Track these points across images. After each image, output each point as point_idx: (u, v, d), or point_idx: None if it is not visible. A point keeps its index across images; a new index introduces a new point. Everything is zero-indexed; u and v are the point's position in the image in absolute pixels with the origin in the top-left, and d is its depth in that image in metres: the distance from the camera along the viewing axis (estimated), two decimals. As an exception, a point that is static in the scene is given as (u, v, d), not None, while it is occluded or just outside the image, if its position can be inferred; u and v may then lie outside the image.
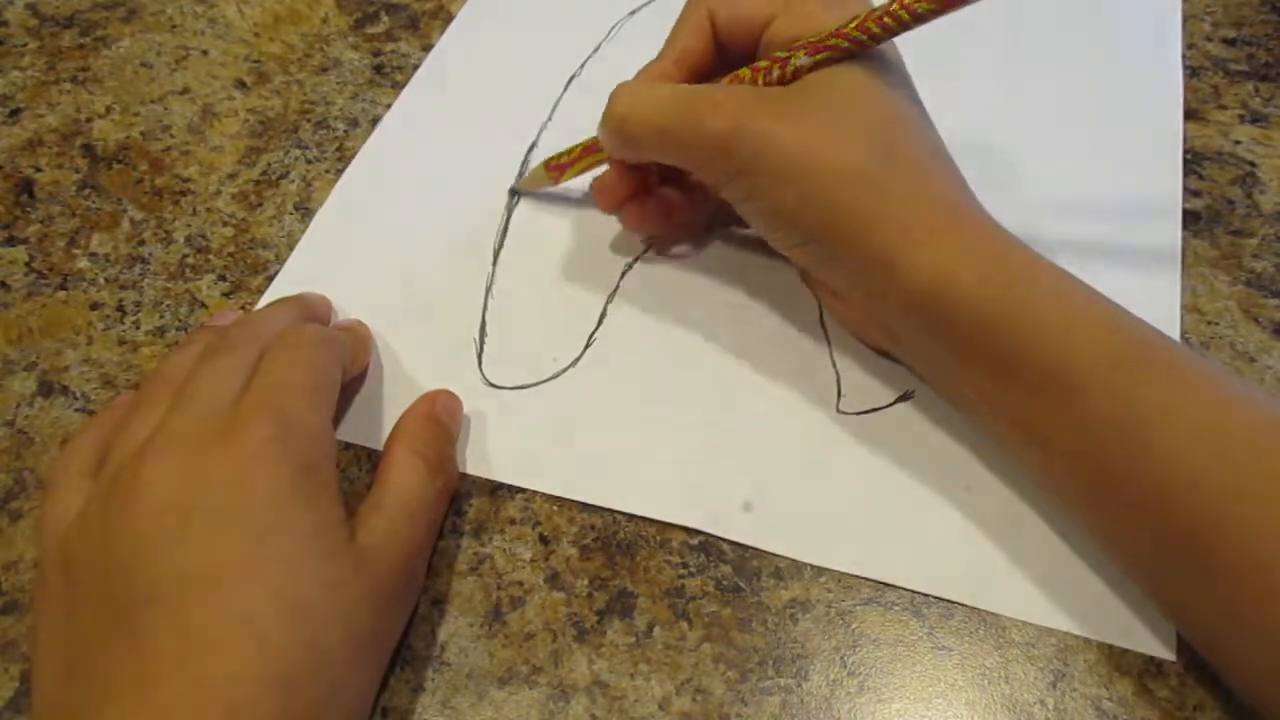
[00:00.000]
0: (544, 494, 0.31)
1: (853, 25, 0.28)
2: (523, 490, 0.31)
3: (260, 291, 0.36)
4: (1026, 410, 0.26)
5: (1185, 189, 0.37)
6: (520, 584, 0.29)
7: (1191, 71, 0.41)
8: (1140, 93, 0.40)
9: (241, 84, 0.43)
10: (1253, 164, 0.38)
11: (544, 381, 0.33)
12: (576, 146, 0.35)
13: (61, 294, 0.37)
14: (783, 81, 0.29)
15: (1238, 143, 0.39)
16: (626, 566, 0.29)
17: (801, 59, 0.29)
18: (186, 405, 0.26)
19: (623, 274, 0.36)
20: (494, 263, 0.36)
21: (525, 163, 0.39)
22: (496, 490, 0.31)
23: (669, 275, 0.35)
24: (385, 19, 0.45)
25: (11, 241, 0.38)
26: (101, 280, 0.37)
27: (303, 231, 0.38)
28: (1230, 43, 0.42)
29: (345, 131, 0.41)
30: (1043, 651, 0.27)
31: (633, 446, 0.31)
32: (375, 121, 0.41)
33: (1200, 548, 0.24)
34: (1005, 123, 0.39)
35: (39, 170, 0.40)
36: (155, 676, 0.22)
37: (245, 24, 0.46)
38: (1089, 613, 0.28)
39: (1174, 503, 0.24)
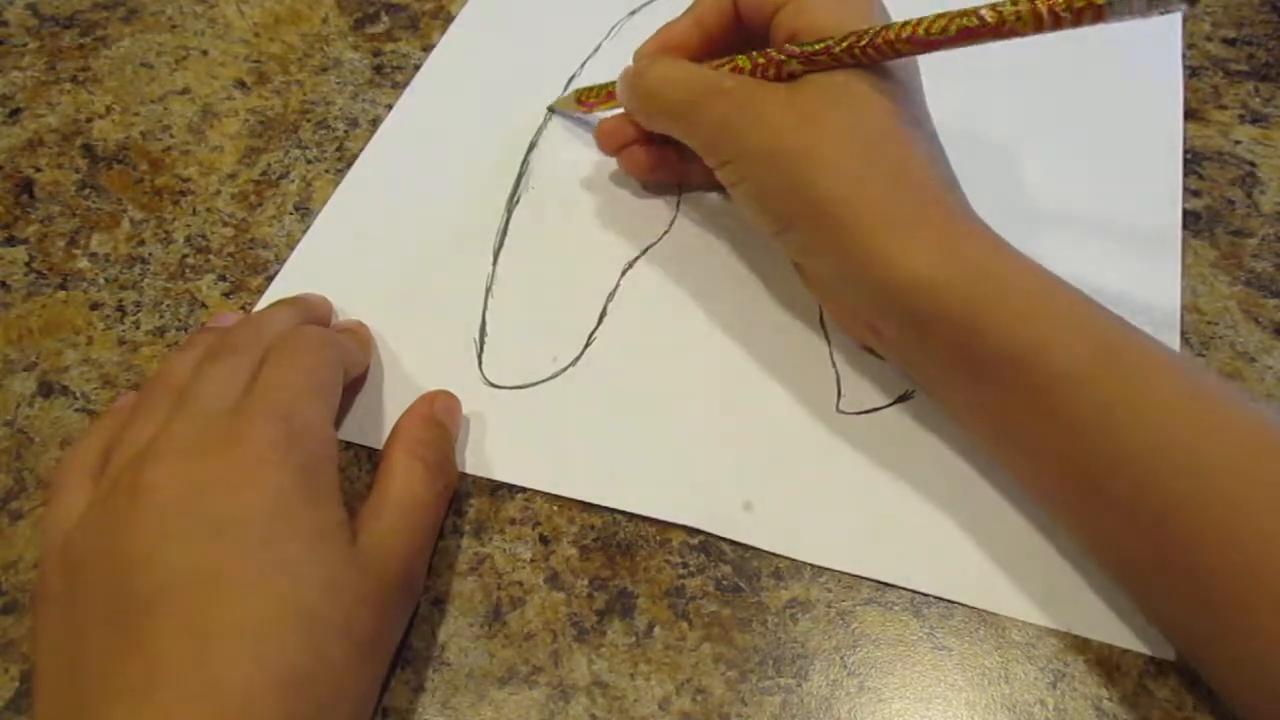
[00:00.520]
0: (544, 494, 0.31)
1: (841, 47, 0.28)
2: (523, 490, 0.31)
3: (260, 292, 0.36)
4: (1003, 411, 0.26)
5: (1185, 189, 0.37)
6: (520, 584, 0.29)
7: (1191, 71, 0.41)
8: (1140, 93, 0.40)
9: (241, 84, 0.43)
10: (1253, 164, 0.38)
11: (544, 381, 0.33)
12: (603, 88, 0.37)
13: (61, 294, 0.37)
14: (779, 79, 0.30)
15: (1238, 143, 0.39)
16: (626, 566, 0.29)
17: (794, 65, 0.29)
18: (189, 408, 0.26)
19: (622, 273, 0.36)
20: (494, 262, 0.36)
21: (526, 161, 0.39)
22: (496, 490, 0.31)
23: (669, 275, 0.36)
24: (385, 19, 0.45)
25: (11, 241, 0.38)
26: (101, 280, 0.37)
27: (303, 231, 0.38)
28: (1230, 43, 0.42)
29: (345, 131, 0.41)
30: (1043, 651, 0.27)
31: (633, 446, 0.31)
32: (375, 121, 0.41)
33: (1177, 552, 0.24)
34: (1005, 123, 0.39)
35: (39, 170, 0.40)
36: (158, 679, 0.22)
37: (245, 24, 0.46)
38: (1089, 613, 0.28)
39: (1146, 505, 0.24)
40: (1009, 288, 0.26)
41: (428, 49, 0.44)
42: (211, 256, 0.37)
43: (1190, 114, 0.40)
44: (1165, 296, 0.34)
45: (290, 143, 0.41)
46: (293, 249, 0.37)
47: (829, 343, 0.33)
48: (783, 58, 0.29)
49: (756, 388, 0.33)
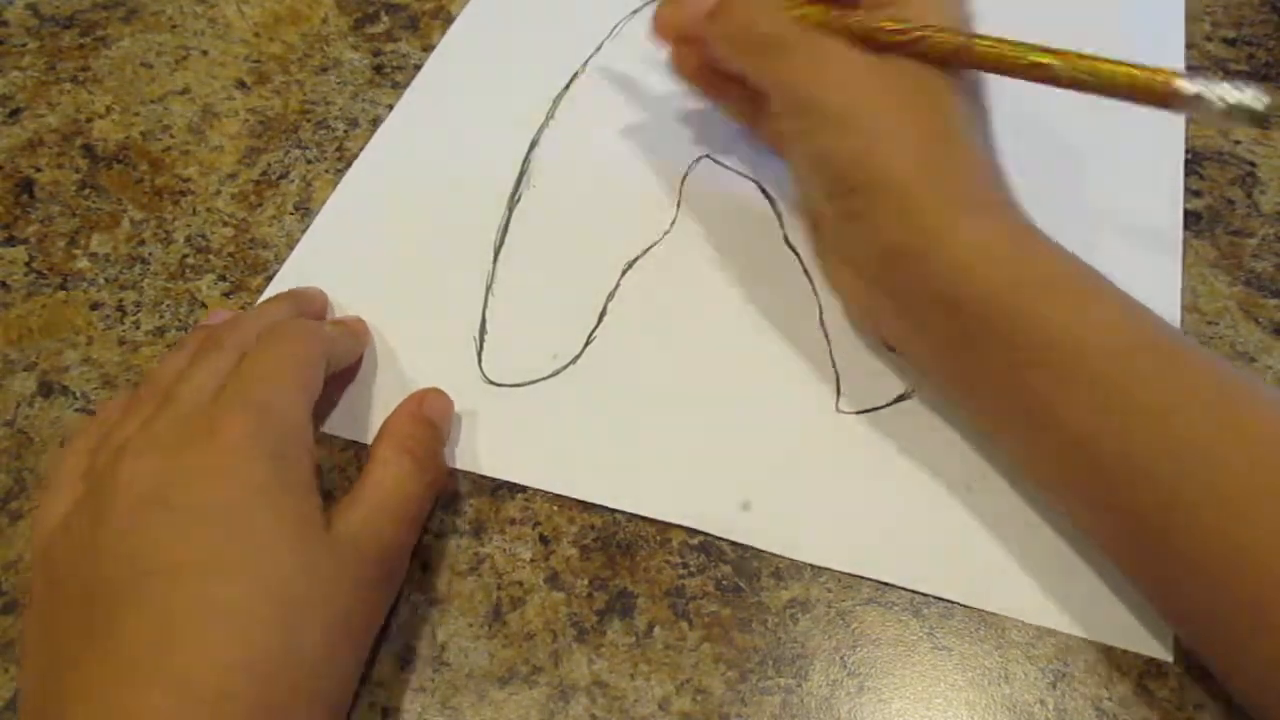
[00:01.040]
0: (544, 494, 0.31)
1: (936, 42, 0.29)
2: (523, 490, 0.31)
3: (260, 291, 0.36)
4: (1036, 390, 0.26)
5: (1185, 189, 0.37)
6: (520, 584, 0.29)
7: (1191, 71, 0.41)
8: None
9: (241, 84, 0.43)
10: (1253, 164, 0.38)
11: (544, 379, 0.33)
12: None
13: (61, 294, 0.37)
14: (865, 47, 0.30)
15: (1237, 143, 0.39)
16: (626, 566, 0.29)
17: (885, 39, 0.29)
18: (170, 406, 0.27)
19: (623, 272, 0.36)
20: (495, 261, 0.36)
21: (527, 160, 0.39)
22: (496, 490, 0.31)
23: (670, 274, 0.35)
24: (385, 19, 0.45)
25: (11, 241, 0.38)
26: (101, 280, 0.37)
27: (303, 231, 0.38)
28: (1230, 43, 0.42)
29: (345, 131, 0.41)
30: (1043, 651, 0.27)
31: (632, 445, 0.31)
32: (376, 121, 0.41)
33: (1191, 550, 0.24)
34: (1006, 122, 0.39)
35: (39, 170, 0.40)
36: (135, 667, 0.22)
37: (245, 24, 0.46)
38: (1089, 613, 0.28)
39: (1146, 492, 0.24)
40: (1057, 274, 0.27)
41: (428, 49, 0.44)
42: (211, 256, 0.37)
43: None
44: (1165, 296, 0.34)
45: (290, 143, 0.41)
46: (293, 249, 0.37)
47: (829, 343, 0.33)
48: (864, 34, 0.29)
49: (755, 388, 0.32)
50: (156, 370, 0.29)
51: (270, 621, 0.23)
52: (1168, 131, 0.39)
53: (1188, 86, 0.26)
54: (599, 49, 0.43)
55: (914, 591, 0.28)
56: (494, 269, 0.36)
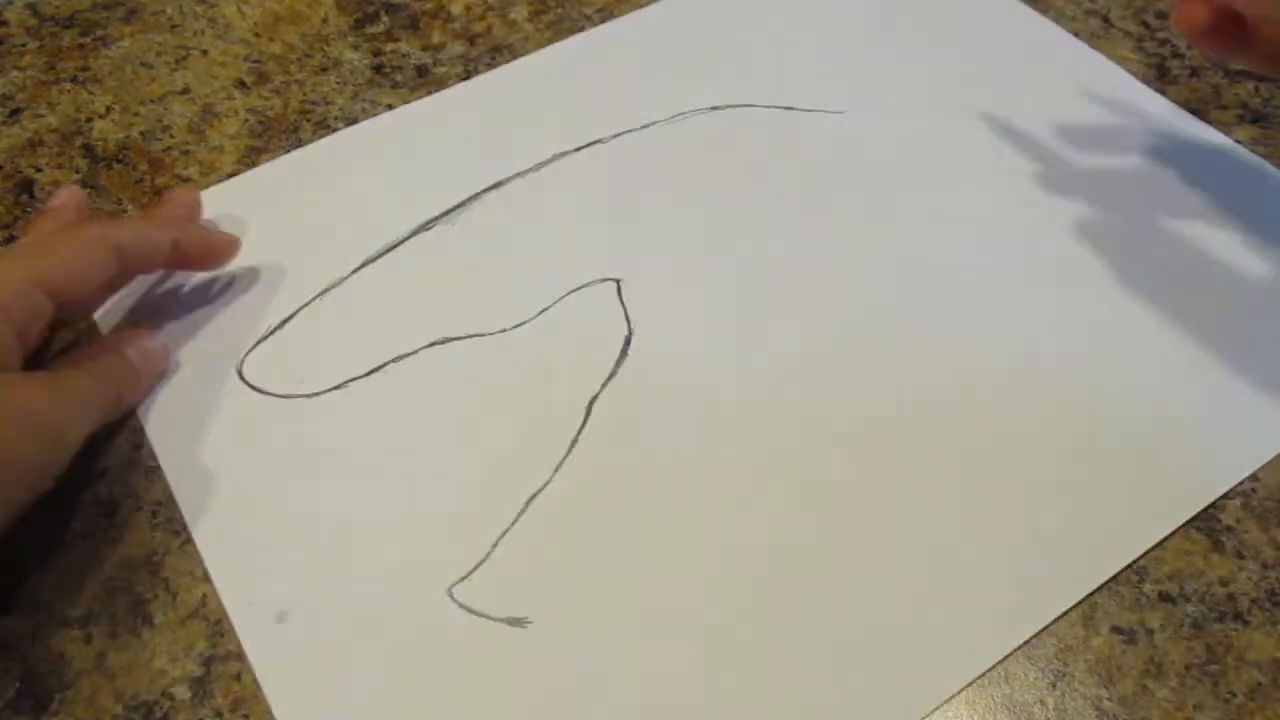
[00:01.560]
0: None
1: None
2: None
3: (260, 291, 0.36)
4: None
5: (1185, 189, 0.37)
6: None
7: (1191, 71, 0.41)
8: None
9: (241, 84, 0.43)
10: (1253, 164, 0.38)
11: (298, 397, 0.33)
12: None
13: (61, 294, 0.37)
14: None
15: (1237, 143, 0.39)
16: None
17: None
18: None
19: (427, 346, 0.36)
20: (357, 270, 0.36)
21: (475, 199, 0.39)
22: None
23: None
24: (385, 19, 0.45)
25: (11, 241, 0.38)
26: (101, 280, 0.37)
27: (302, 231, 0.38)
28: (1230, 43, 0.42)
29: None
30: (1043, 651, 0.27)
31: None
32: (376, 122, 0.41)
33: None
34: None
35: (39, 170, 0.40)
36: None
37: (245, 24, 0.46)
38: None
39: None
40: None
41: (427, 49, 0.44)
42: (211, 256, 0.37)
43: (1191, 114, 0.40)
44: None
45: (290, 143, 0.41)
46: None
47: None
48: None
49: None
50: None
51: None
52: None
53: None
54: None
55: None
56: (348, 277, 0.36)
